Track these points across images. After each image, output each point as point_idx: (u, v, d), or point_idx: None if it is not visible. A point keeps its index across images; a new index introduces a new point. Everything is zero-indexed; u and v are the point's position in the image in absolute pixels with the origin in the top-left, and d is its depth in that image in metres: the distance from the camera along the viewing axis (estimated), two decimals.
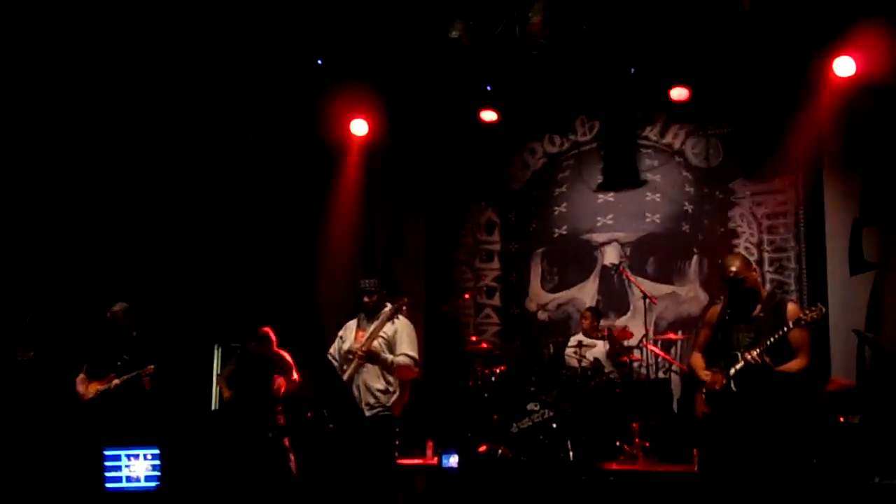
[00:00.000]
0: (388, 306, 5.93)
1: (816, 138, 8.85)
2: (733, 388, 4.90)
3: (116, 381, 6.76)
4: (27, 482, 5.73)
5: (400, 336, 5.85)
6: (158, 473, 5.43)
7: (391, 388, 5.76)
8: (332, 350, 6.12)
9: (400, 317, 5.90)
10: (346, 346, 5.94)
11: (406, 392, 5.92)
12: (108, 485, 5.41)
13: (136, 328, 7.17)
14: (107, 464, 5.49)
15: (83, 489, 5.47)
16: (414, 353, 5.86)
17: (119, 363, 6.86)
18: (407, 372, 5.85)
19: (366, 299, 5.92)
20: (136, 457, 5.52)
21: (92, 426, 6.39)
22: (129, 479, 5.46)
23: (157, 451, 5.43)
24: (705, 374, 5.15)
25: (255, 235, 9.35)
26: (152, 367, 6.87)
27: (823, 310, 4.74)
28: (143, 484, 5.44)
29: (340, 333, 6.11)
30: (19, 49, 7.29)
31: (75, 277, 8.11)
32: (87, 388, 6.91)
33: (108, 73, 7.90)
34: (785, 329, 4.80)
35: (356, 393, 5.73)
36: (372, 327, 5.84)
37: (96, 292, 7.98)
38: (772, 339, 4.82)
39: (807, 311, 4.75)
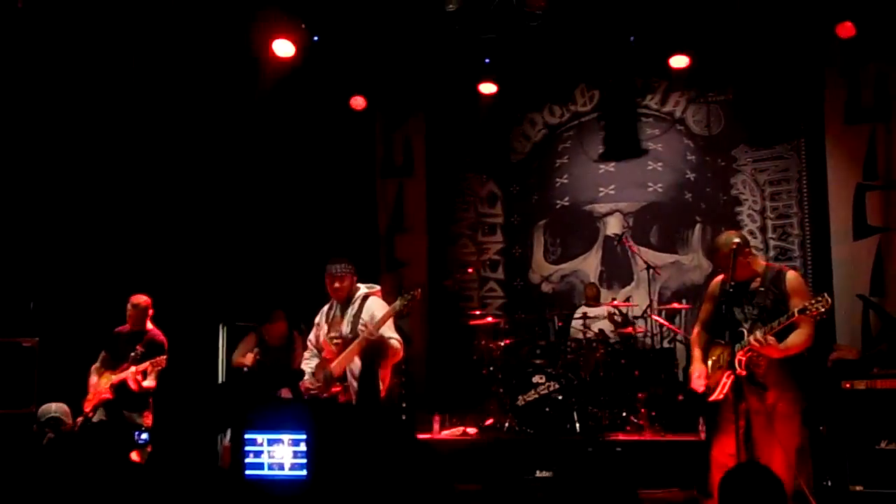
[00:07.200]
0: (363, 288, 5.84)
1: (818, 103, 8.79)
2: (739, 368, 4.81)
3: (130, 373, 6.85)
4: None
5: (380, 320, 5.63)
6: (306, 461, 4.87)
7: (381, 374, 5.62)
8: (310, 338, 6.01)
9: (372, 298, 5.76)
10: (323, 334, 5.81)
11: (389, 376, 5.77)
12: (248, 472, 4.80)
13: (153, 320, 7.20)
14: (247, 449, 4.79)
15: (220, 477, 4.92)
16: (397, 335, 5.72)
17: (133, 354, 6.89)
18: (397, 356, 5.71)
19: (336, 284, 5.74)
20: (279, 442, 4.94)
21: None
22: (271, 466, 4.66)
23: (303, 437, 4.61)
24: (699, 369, 5.10)
25: (255, 214, 9.28)
26: (164, 357, 6.89)
27: (830, 301, 4.60)
28: (287, 473, 4.60)
29: (317, 320, 5.96)
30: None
31: (78, 261, 8.08)
32: (101, 379, 7.01)
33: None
34: (787, 316, 4.70)
35: (349, 381, 5.64)
36: (351, 312, 5.70)
37: (100, 276, 7.97)
38: (777, 325, 4.74)
39: (812, 302, 4.64)
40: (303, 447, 4.50)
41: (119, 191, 8.25)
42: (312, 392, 5.69)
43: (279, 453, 4.54)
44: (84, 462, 4.76)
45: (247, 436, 4.59)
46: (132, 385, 6.84)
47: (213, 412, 5.36)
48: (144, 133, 8.31)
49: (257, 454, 4.55)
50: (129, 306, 7.14)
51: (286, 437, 4.53)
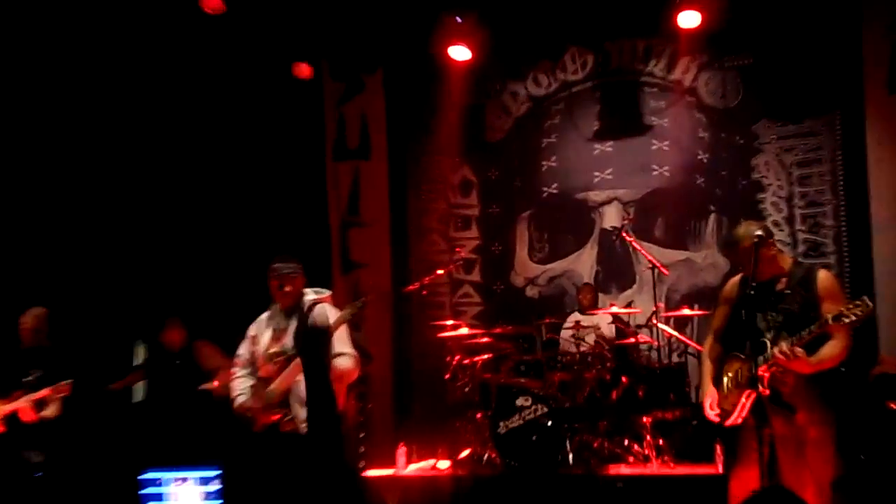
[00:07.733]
0: (311, 294, 5.78)
1: (856, 68, 8.76)
2: (761, 386, 4.76)
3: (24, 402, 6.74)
4: None
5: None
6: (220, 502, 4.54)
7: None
8: (241, 351, 5.96)
9: (322, 306, 5.73)
10: (263, 349, 5.77)
11: (343, 398, 5.75)
12: None
13: (51, 338, 7.14)
14: (145, 491, 4.58)
15: None
16: (352, 350, 5.72)
17: (27, 378, 6.81)
18: (350, 375, 5.71)
19: (287, 288, 5.70)
20: (184, 480, 4.58)
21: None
22: None
23: (216, 474, 4.64)
24: (710, 395, 5.07)
25: (181, 209, 9.23)
26: (68, 384, 6.76)
27: (870, 306, 4.56)
28: None
29: (252, 333, 5.92)
30: None
31: None
32: None
33: None
34: (819, 324, 4.66)
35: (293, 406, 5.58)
36: (293, 324, 5.65)
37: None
38: (807, 335, 4.69)
39: (849, 307, 4.59)
40: (215, 486, 4.33)
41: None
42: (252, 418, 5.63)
43: (185, 496, 4.33)
44: None
45: (144, 476, 4.41)
46: (25, 416, 6.72)
47: None
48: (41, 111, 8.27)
49: (157, 498, 4.36)
50: (22, 320, 7.10)
51: (193, 475, 4.33)
